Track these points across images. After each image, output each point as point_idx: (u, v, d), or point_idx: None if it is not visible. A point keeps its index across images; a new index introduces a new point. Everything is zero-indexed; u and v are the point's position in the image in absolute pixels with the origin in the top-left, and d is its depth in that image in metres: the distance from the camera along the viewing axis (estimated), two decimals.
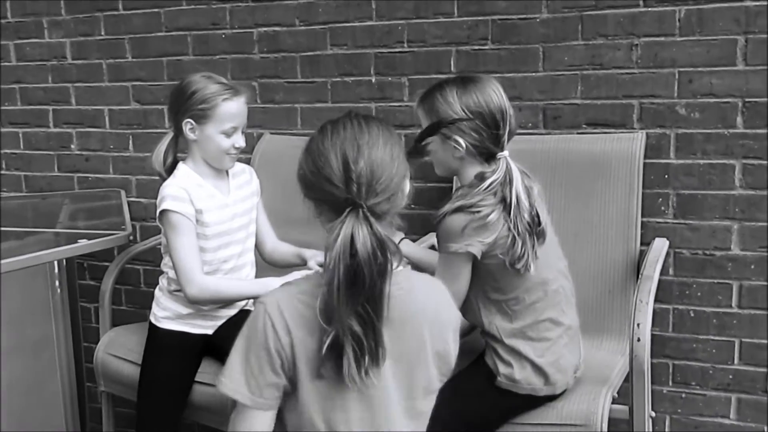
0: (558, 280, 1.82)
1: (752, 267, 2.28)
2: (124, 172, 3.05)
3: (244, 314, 2.07)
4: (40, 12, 3.06)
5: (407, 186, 1.31)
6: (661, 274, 2.24)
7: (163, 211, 2.02)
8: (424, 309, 1.33)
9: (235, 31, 2.78)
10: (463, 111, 1.72)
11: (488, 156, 1.76)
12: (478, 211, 1.69)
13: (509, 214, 1.71)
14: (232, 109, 2.04)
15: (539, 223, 1.75)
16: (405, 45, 2.55)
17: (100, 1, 2.95)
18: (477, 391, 1.80)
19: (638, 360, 1.78)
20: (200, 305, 2.08)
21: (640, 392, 1.80)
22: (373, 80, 2.62)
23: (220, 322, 2.12)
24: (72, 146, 3.12)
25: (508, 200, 1.71)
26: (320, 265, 2.02)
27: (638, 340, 1.79)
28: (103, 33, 2.98)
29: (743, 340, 2.32)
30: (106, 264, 3.01)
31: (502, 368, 1.79)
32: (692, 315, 2.36)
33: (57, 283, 2.47)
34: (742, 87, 2.21)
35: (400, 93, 2.59)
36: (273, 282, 1.90)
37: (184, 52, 2.86)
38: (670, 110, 2.29)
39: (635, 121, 2.33)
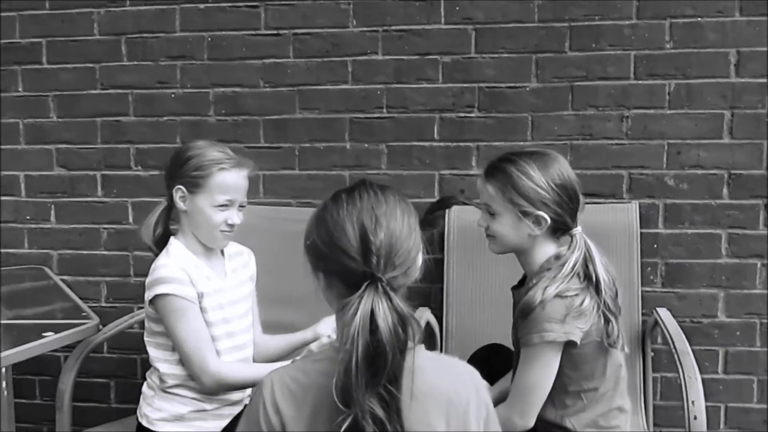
0: (624, 366, 1.74)
1: (737, 333, 2.33)
2: (43, 246, 2.66)
3: None
4: None
5: (420, 258, 1.23)
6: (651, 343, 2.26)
7: (161, 296, 1.75)
8: (437, 389, 1.20)
9: (186, 90, 2.53)
10: (549, 185, 1.62)
11: (562, 233, 1.67)
12: (576, 295, 1.59)
13: (597, 292, 1.61)
14: (228, 180, 1.82)
15: (617, 299, 1.68)
16: (384, 110, 2.43)
17: (19, 53, 2.60)
18: None
19: None
20: (215, 395, 1.81)
21: None
22: (348, 146, 2.47)
23: (225, 422, 1.84)
24: None
25: (594, 278, 1.62)
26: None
27: (695, 418, 1.75)
28: (20, 89, 2.62)
29: (729, 405, 2.36)
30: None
31: None
32: (679, 383, 2.36)
33: (3, 384, 2.02)
34: (728, 159, 2.29)
35: (377, 161, 2.45)
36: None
37: (123, 112, 2.57)
38: (659, 181, 2.33)
39: (625, 191, 2.34)
